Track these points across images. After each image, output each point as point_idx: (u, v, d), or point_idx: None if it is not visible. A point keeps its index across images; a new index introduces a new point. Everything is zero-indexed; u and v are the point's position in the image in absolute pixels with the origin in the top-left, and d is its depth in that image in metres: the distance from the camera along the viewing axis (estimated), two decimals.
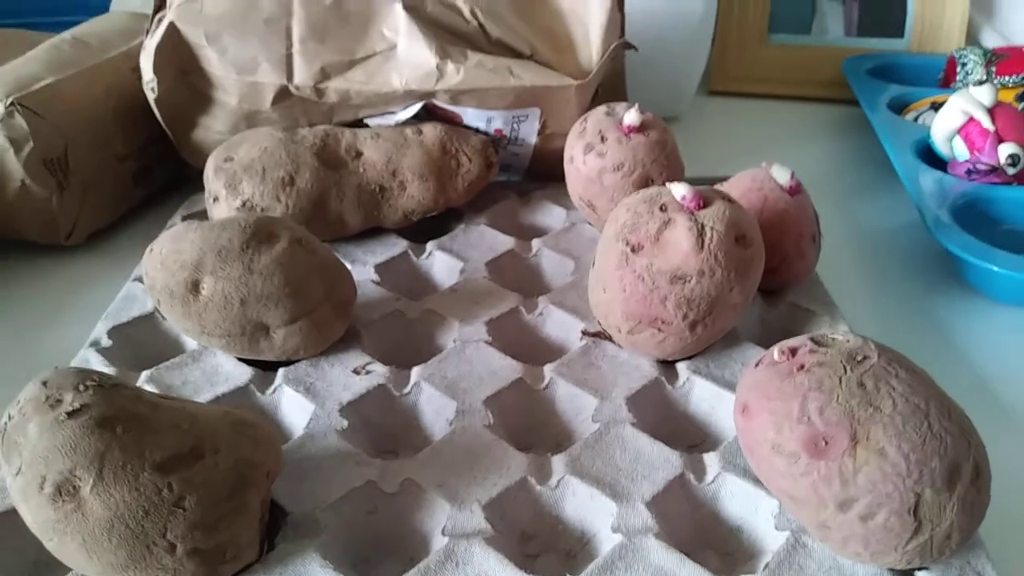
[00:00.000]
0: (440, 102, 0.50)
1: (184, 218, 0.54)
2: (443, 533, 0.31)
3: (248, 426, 0.30)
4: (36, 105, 0.50)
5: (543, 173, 0.57)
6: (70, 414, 0.27)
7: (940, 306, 0.49)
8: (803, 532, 0.31)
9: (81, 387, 0.27)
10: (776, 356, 0.30)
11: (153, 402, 0.29)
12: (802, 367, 0.29)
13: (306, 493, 0.33)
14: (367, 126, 0.52)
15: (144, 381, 0.39)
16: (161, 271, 0.37)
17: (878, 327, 0.47)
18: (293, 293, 0.37)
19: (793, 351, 0.30)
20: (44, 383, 0.28)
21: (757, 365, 0.31)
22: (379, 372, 0.39)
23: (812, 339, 0.31)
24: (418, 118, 0.52)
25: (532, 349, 0.43)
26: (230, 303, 0.37)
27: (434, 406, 0.38)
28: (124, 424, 0.27)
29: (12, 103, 0.49)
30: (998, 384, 0.43)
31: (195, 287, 0.36)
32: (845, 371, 0.29)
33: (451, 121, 0.52)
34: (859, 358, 0.29)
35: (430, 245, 0.50)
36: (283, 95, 0.49)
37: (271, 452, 0.31)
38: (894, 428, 0.27)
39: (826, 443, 0.28)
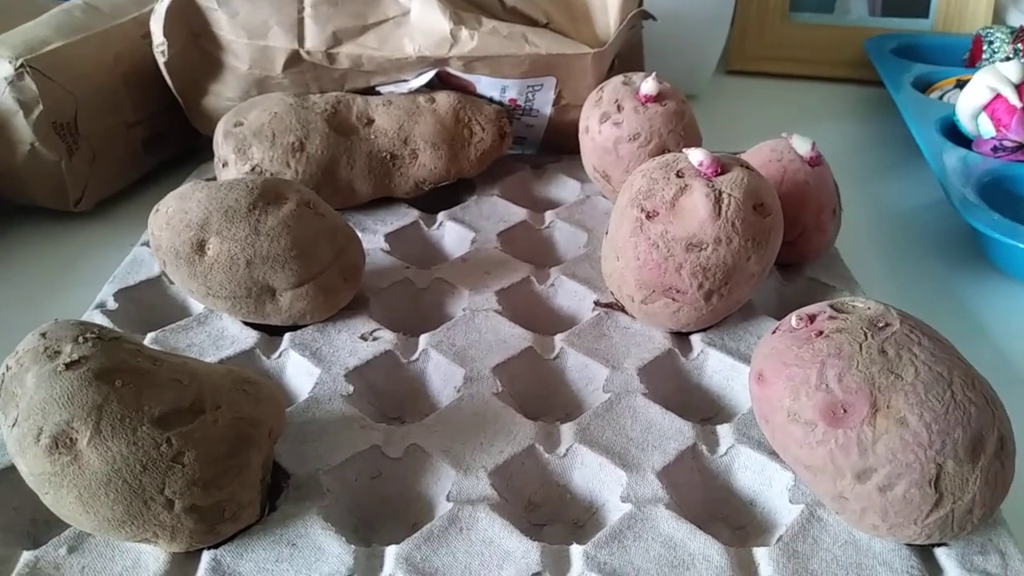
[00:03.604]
0: (453, 70, 0.49)
1: None
2: (448, 499, 0.30)
3: (250, 384, 0.30)
4: (46, 68, 0.49)
5: (558, 146, 0.56)
6: (68, 365, 0.26)
7: (964, 285, 0.48)
8: (818, 505, 0.30)
9: (80, 339, 0.27)
10: (794, 322, 0.29)
11: (154, 356, 0.28)
12: (820, 333, 0.28)
13: (310, 456, 0.32)
14: (379, 93, 0.51)
15: (148, 343, 0.38)
16: (167, 231, 0.36)
17: (900, 305, 0.46)
18: (300, 255, 0.37)
19: (812, 317, 0.29)
20: (43, 334, 0.27)
21: (774, 332, 0.30)
22: (387, 339, 0.38)
23: (831, 305, 0.30)
24: (431, 86, 0.51)
25: (543, 320, 0.42)
26: (236, 264, 0.36)
27: (442, 373, 0.37)
28: (123, 377, 0.26)
29: (22, 65, 0.48)
30: (1023, 363, 0.42)
31: (201, 247, 0.36)
32: (866, 337, 0.28)
33: (465, 90, 0.51)
34: (880, 324, 0.28)
35: (441, 215, 0.49)
36: (294, 60, 0.49)
37: (273, 411, 0.30)
38: (916, 396, 0.27)
39: (844, 411, 0.27)
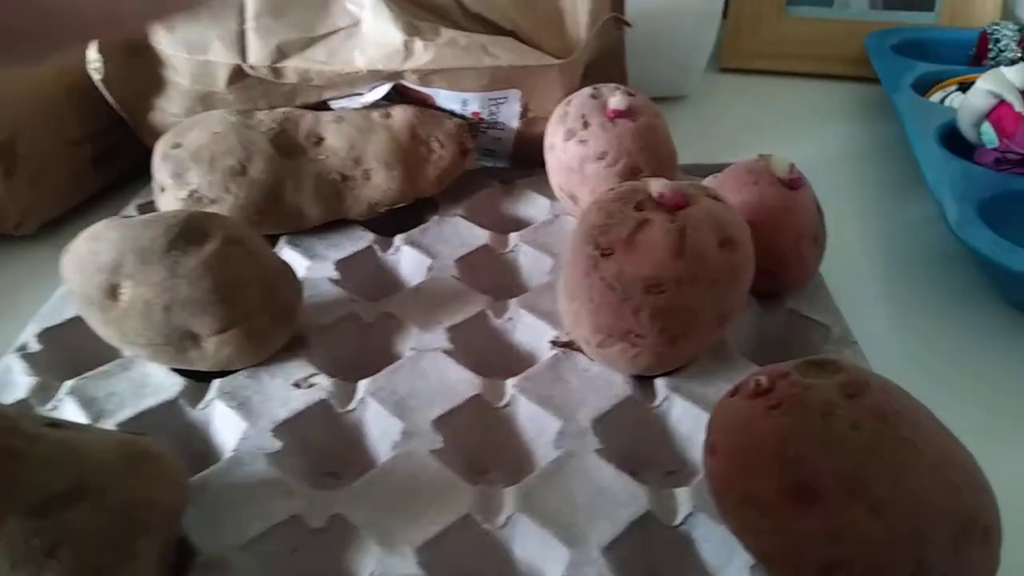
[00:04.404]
0: (409, 83, 0.46)
1: (139, 207, 0.50)
2: None
3: (146, 459, 0.27)
4: None
5: (529, 159, 0.52)
6: None
7: (964, 315, 0.44)
8: None
9: None
10: (753, 387, 0.26)
11: (32, 434, 0.25)
12: (781, 403, 0.25)
13: (223, 528, 0.29)
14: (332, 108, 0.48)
15: (66, 393, 0.35)
16: (78, 274, 0.33)
17: (891, 339, 0.42)
18: (223, 299, 0.34)
19: (772, 383, 0.26)
20: None
21: (733, 395, 0.27)
22: (323, 385, 0.35)
23: (797, 368, 0.26)
24: (389, 99, 0.48)
25: (498, 358, 0.39)
26: (152, 310, 0.33)
27: (380, 426, 0.34)
28: None
29: None
30: None
31: (113, 292, 0.33)
32: (833, 410, 0.24)
33: (424, 103, 0.48)
34: (851, 393, 0.25)
35: (398, 239, 0.46)
36: (238, 75, 0.45)
37: (172, 489, 0.27)
38: (890, 478, 0.23)
39: (808, 496, 0.24)
